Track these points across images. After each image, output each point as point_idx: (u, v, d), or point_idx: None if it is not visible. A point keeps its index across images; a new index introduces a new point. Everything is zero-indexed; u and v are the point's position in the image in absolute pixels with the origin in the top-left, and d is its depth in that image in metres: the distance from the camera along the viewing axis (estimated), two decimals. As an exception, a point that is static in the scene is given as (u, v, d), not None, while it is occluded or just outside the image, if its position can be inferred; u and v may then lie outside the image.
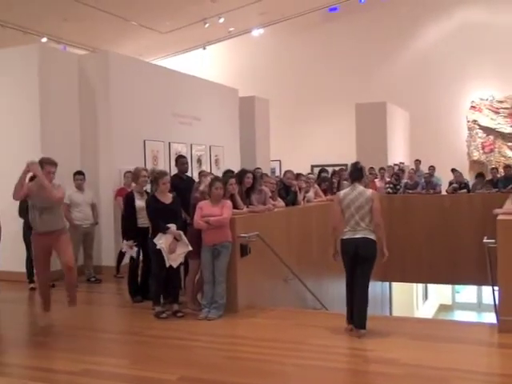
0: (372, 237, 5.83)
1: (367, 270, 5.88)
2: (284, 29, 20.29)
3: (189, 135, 11.67)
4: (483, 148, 18.69)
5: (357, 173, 6.12)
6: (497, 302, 6.14)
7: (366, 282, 5.89)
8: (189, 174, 8.87)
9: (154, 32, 18.48)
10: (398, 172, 14.61)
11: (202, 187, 6.98)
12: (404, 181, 14.02)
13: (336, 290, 9.11)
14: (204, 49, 21.36)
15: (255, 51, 21.05)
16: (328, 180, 11.06)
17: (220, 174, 8.05)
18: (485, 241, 6.35)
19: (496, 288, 6.11)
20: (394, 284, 14.72)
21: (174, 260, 6.51)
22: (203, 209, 6.61)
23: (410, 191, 13.64)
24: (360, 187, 5.98)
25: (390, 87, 18.82)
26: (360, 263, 5.83)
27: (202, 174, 8.06)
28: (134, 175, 7.91)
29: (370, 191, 6.03)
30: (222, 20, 18.36)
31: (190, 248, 6.61)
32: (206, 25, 18.47)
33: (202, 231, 6.62)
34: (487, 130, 18.65)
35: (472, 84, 18.61)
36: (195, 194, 7.03)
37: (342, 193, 6.13)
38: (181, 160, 8.53)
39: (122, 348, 5.93)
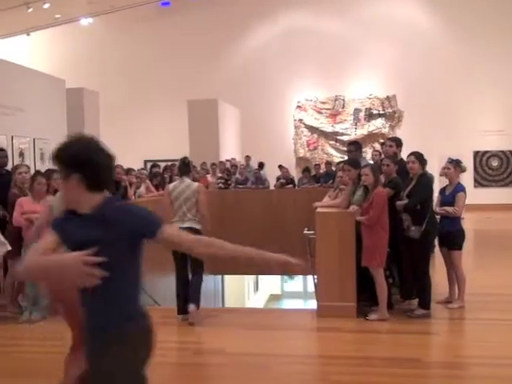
0: (197, 226, 6.15)
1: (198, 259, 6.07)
2: (115, 20, 19.75)
3: (10, 127, 10.86)
4: (308, 145, 19.88)
5: (184, 167, 6.44)
6: (316, 289, 6.58)
7: (200, 267, 6.25)
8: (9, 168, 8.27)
9: (-30, 13, 16.91)
10: (228, 167, 14.98)
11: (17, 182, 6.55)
12: (235, 176, 14.41)
13: (168, 284, 9.11)
14: (28, 35, 19.99)
15: (84, 41, 20.23)
16: (160, 175, 11.02)
17: (45, 169, 7.63)
18: (305, 232, 6.78)
19: (316, 276, 6.55)
20: (226, 277, 15.07)
21: (-11, 261, 6.04)
22: (23, 205, 6.23)
23: (241, 186, 14.07)
24: (188, 180, 6.32)
25: (222, 85, 19.22)
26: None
27: (15, 167, 7.45)
28: None
29: (196, 184, 6.40)
30: (46, 6, 17.28)
31: (9, 247, 6.18)
32: (30, 9, 17.28)
33: (22, 229, 6.22)
34: (312, 129, 19.87)
35: (298, 85, 19.69)
36: (13, 189, 6.58)
37: (171, 185, 6.47)
38: (-1, 153, 7.91)
39: None
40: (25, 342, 5.69)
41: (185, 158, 6.59)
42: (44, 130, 12.01)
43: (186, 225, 6.07)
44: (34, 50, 20.18)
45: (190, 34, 19.72)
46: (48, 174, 6.63)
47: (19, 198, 6.34)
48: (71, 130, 13.19)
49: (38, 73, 12.67)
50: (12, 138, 10.90)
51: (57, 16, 18.94)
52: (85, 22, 19.91)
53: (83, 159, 2.32)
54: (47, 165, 10.91)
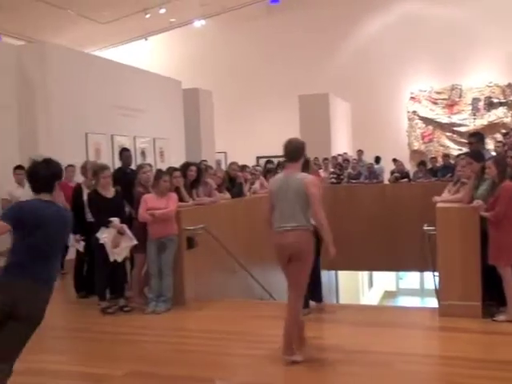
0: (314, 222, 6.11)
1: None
2: (226, 20, 20.20)
3: (132, 127, 11.50)
4: (423, 138, 19.21)
5: (303, 165, 6.36)
6: (437, 287, 6.36)
7: (316, 263, 6.23)
8: (133, 167, 8.74)
9: (94, 22, 18.04)
10: (341, 162, 14.85)
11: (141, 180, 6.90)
12: (347, 171, 14.26)
13: (282, 279, 9.19)
14: (146, 40, 21.01)
15: (198, 42, 20.87)
16: (273, 171, 11.12)
17: (164, 167, 7.98)
18: (425, 228, 6.56)
19: (436, 273, 6.32)
20: (340, 272, 14.98)
21: (118, 254, 6.42)
22: (148, 202, 6.54)
23: (354, 181, 13.90)
24: None
25: (333, 79, 19.05)
26: None
27: (139, 166, 7.85)
28: (83, 169, 7.75)
29: None
30: (163, 11, 18.10)
31: (135, 242, 6.53)
32: (147, 15, 18.17)
33: (147, 224, 6.55)
34: (426, 121, 19.17)
35: (411, 75, 19.07)
36: (138, 188, 6.93)
37: None
38: (125, 153, 8.39)
39: (67, 345, 5.82)
40: (149, 332, 5.98)
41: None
42: (163, 130, 12.59)
43: None
44: (151, 54, 21.13)
45: (299, 30, 19.71)
46: (170, 171, 6.93)
47: (144, 195, 6.67)
48: (188, 129, 13.73)
49: (156, 75, 13.29)
50: (134, 138, 11.52)
51: (172, 20, 19.74)
52: (198, 24, 20.56)
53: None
54: (167, 163, 11.43)
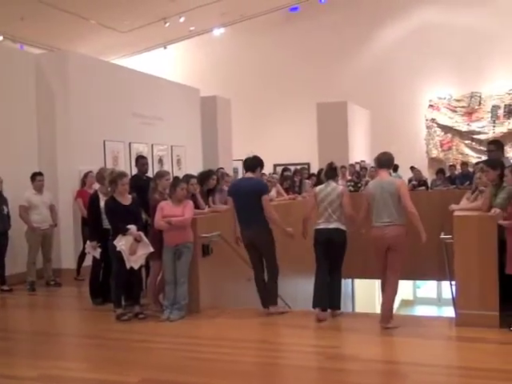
0: (343, 227, 6.40)
1: (340, 256, 6.50)
2: (245, 28, 20.28)
3: (150, 135, 11.57)
4: (441, 146, 19.05)
5: (331, 172, 6.69)
6: (454, 297, 6.27)
7: (340, 267, 6.55)
8: (150, 174, 8.78)
9: (114, 31, 18.24)
10: (358, 170, 14.77)
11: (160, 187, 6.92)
12: (365, 179, 14.16)
13: (299, 288, 9.16)
14: (165, 48, 21.18)
15: (216, 51, 20.98)
16: (290, 179, 11.12)
17: (181, 175, 8.00)
18: (442, 236, 6.50)
19: (453, 282, 6.24)
20: (357, 281, 14.87)
21: (134, 261, 6.44)
22: (164, 209, 6.56)
23: (371, 189, 13.76)
24: (333, 184, 6.56)
25: (352, 86, 19.00)
26: (334, 250, 6.41)
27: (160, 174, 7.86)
28: (99, 175, 7.80)
29: (340, 187, 6.60)
30: (182, 19, 18.23)
31: (152, 249, 6.56)
32: (167, 24, 18.33)
33: (163, 232, 6.57)
34: (445, 129, 19.01)
35: (430, 83, 18.96)
36: (154, 194, 6.95)
37: (317, 188, 6.74)
38: (141, 160, 8.43)
39: (82, 352, 5.84)
40: (164, 339, 5.97)
41: (331, 163, 6.80)
42: (180, 138, 12.65)
43: (332, 226, 6.35)
44: (171, 62, 21.28)
45: (318, 37, 19.73)
46: (187, 179, 6.95)
47: (160, 203, 6.68)
48: (205, 136, 13.77)
49: (174, 83, 13.37)
50: (152, 146, 11.59)
51: (191, 28, 19.89)
52: (217, 32, 20.67)
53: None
54: (183, 170, 11.48)
